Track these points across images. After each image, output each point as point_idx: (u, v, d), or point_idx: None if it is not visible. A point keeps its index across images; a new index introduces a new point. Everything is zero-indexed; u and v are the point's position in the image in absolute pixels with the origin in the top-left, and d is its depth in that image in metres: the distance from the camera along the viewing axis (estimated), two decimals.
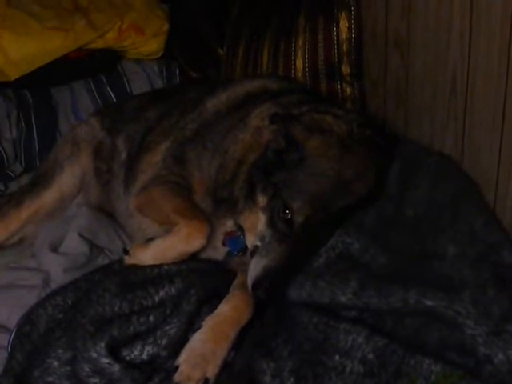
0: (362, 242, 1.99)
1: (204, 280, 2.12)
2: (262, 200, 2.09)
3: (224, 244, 2.24)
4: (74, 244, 2.39)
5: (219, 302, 2.02)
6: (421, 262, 1.91)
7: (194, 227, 2.16)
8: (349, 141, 2.07)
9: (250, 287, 1.99)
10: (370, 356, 1.73)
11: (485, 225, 1.92)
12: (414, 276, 1.87)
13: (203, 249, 2.21)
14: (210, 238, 2.21)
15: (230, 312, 1.97)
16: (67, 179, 2.66)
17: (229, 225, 2.24)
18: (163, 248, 2.17)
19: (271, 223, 2.04)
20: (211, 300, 2.06)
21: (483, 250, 1.88)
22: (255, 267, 2.01)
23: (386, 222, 2.05)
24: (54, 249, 2.39)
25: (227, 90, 2.54)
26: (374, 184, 2.07)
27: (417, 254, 1.94)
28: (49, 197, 2.61)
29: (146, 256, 2.17)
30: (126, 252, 2.20)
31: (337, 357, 1.76)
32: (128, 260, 2.19)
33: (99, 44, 3.30)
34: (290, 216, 1.99)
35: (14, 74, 3.14)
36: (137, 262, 2.18)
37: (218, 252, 2.26)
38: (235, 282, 2.12)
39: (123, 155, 2.66)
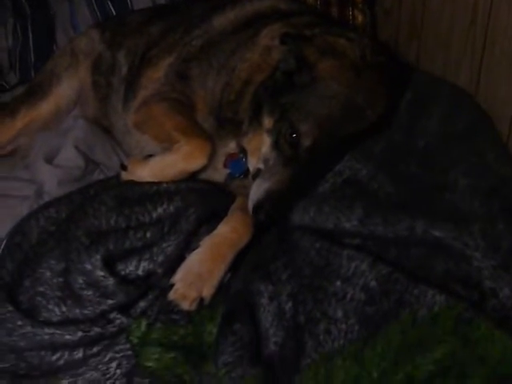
0: (370, 169, 1.93)
1: (203, 200, 2.07)
2: (268, 122, 2.02)
3: (225, 166, 2.18)
4: (69, 156, 2.32)
5: (218, 223, 1.98)
6: (430, 193, 1.86)
7: (196, 146, 2.09)
8: (362, 65, 2.00)
9: (251, 210, 1.94)
10: (373, 283, 1.69)
11: (497, 158, 1.88)
12: (422, 206, 1.83)
13: (204, 169, 2.15)
14: (211, 159, 2.14)
15: (228, 233, 1.93)
16: (64, 91, 2.57)
17: (231, 146, 2.18)
18: (163, 165, 2.10)
19: (276, 146, 1.98)
20: (210, 220, 2.01)
21: (495, 183, 1.83)
22: (257, 190, 1.96)
23: (396, 152, 1.99)
24: (49, 160, 2.32)
25: (235, 8, 2.44)
26: (385, 111, 2.01)
27: (426, 184, 1.89)
28: (45, 108, 2.53)
29: (145, 172, 2.10)
30: (123, 167, 2.14)
31: (338, 282, 1.72)
32: (125, 176, 2.13)
33: None
34: (296, 139, 1.93)
35: None
36: (134, 178, 2.11)
37: (219, 173, 2.20)
38: (235, 204, 2.07)
39: (124, 70, 2.56)
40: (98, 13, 3.13)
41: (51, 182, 2.26)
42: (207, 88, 2.25)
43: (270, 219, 1.93)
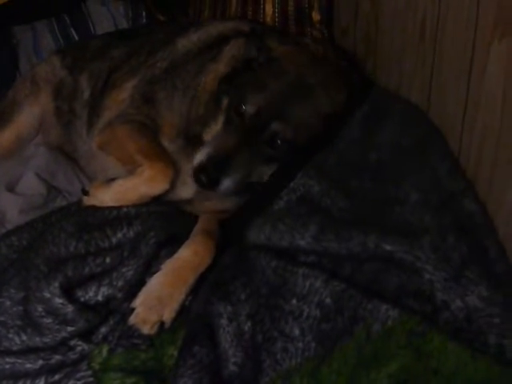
0: (323, 185, 1.96)
1: (164, 223, 2.07)
2: (224, 103, 2.09)
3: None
4: (30, 184, 2.34)
5: (178, 247, 1.98)
6: (382, 208, 1.88)
7: (158, 170, 2.11)
8: (321, 57, 2.10)
9: (192, 173, 2.00)
10: (328, 300, 1.71)
11: (448, 172, 1.90)
12: (374, 221, 1.85)
13: (172, 188, 2.16)
14: (179, 176, 2.17)
15: (190, 256, 1.94)
16: (25, 119, 2.58)
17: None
18: (125, 189, 2.12)
19: (227, 120, 2.06)
20: (171, 244, 2.02)
21: (445, 197, 1.86)
22: (200, 155, 2.02)
23: (349, 166, 2.02)
24: (10, 189, 2.32)
25: (199, 31, 2.49)
26: (342, 110, 2.06)
27: (378, 199, 1.92)
28: (5, 137, 2.55)
29: (106, 196, 2.11)
30: (85, 192, 2.15)
31: (294, 301, 1.73)
32: (87, 201, 2.14)
33: None
34: (242, 108, 2.01)
35: None
36: (96, 202, 2.12)
37: (189, 188, 2.21)
38: (197, 227, 2.08)
39: (86, 94, 2.58)
40: (61, 40, 3.15)
41: (13, 210, 2.27)
42: (173, 110, 2.27)
43: (210, 181, 1.97)
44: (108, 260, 1.95)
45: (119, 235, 2.02)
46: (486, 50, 1.78)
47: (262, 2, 2.74)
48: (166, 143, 2.27)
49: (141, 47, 2.55)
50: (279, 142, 2.01)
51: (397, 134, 2.03)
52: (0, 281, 1.97)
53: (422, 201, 1.85)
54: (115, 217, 2.10)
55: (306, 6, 2.67)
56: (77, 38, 3.16)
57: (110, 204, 2.12)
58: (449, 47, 1.99)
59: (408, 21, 2.17)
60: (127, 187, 2.12)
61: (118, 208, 2.12)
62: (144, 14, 3.29)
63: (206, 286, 1.91)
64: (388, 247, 1.74)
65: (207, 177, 1.97)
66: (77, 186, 2.42)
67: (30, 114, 2.60)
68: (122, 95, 2.42)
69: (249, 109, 2.00)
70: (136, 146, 2.21)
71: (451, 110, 2.01)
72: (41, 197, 2.32)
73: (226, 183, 2.00)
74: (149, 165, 2.11)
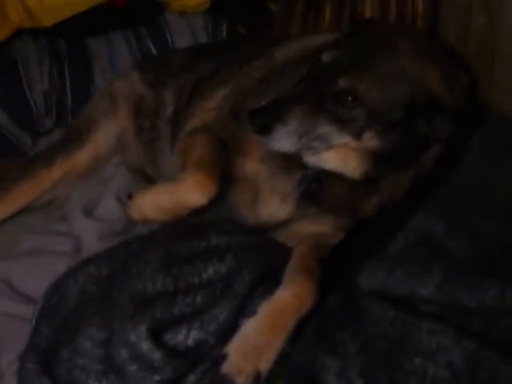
0: (444, 225, 1.74)
1: (258, 258, 1.88)
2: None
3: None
4: (110, 208, 2.17)
5: (274, 284, 1.78)
6: (510, 253, 1.65)
7: (197, 181, 1.88)
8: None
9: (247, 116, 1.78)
10: (458, 361, 1.49)
11: None
12: (507, 268, 1.62)
13: (267, 212, 1.99)
14: (275, 197, 1.98)
15: (289, 299, 1.72)
16: (103, 138, 2.41)
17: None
18: (161, 194, 1.90)
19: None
20: (265, 281, 1.82)
21: None
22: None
23: (472, 204, 1.80)
24: (88, 213, 2.16)
25: (299, 41, 2.30)
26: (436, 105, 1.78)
27: (508, 242, 1.69)
28: (83, 156, 2.37)
29: (146, 203, 1.90)
30: (129, 196, 1.97)
31: (417, 359, 1.51)
32: (129, 206, 1.94)
33: None
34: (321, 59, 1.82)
35: (48, 21, 2.86)
36: (136, 208, 1.91)
37: (286, 209, 2.00)
38: (294, 263, 1.88)
39: (169, 110, 2.41)
40: (138, 52, 3.00)
41: (90, 236, 2.10)
42: None
43: (264, 124, 1.75)
44: (199, 299, 1.76)
45: (210, 271, 1.83)
46: None
47: (360, 13, 2.53)
48: (253, 165, 2.05)
49: (232, 59, 2.36)
50: (349, 98, 1.76)
51: None
52: (79, 317, 1.80)
53: None
54: (204, 249, 1.92)
55: (410, 18, 2.44)
56: (154, 49, 3.01)
57: (149, 214, 1.90)
58: None
59: None
60: (164, 192, 1.90)
61: (207, 239, 1.93)
62: (224, 27, 3.13)
63: (308, 334, 1.71)
64: None
65: (261, 120, 1.75)
66: None
67: (108, 133, 2.43)
68: (210, 104, 2.24)
69: (324, 58, 1.80)
70: (196, 155, 2.00)
71: None
72: (120, 222, 2.15)
73: (281, 130, 1.77)
74: (191, 173, 1.90)
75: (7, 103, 2.75)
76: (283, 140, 1.78)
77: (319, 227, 2.00)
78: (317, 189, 1.91)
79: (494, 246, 1.69)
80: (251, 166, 2.05)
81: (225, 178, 1.98)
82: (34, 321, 1.89)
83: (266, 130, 1.77)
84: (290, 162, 1.97)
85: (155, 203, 1.90)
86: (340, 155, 1.82)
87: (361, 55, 1.81)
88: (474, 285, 1.56)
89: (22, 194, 2.34)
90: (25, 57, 2.85)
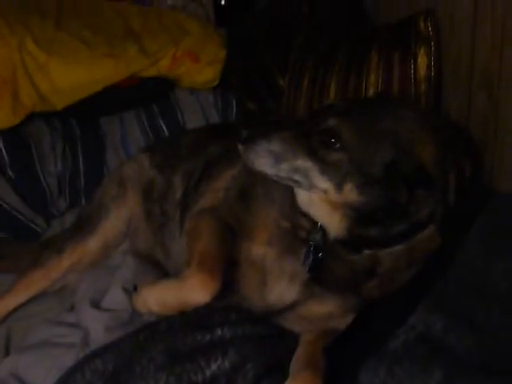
0: (444, 320, 1.70)
1: (262, 351, 1.87)
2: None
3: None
4: (117, 299, 2.18)
5: (280, 377, 1.77)
6: None
7: (201, 280, 1.88)
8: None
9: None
10: None
11: None
12: (507, 364, 1.59)
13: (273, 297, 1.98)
14: (283, 280, 1.98)
15: None
16: (113, 224, 2.43)
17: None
18: (166, 290, 1.92)
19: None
20: (271, 373, 1.81)
21: None
22: None
23: (473, 296, 1.77)
24: (95, 304, 2.17)
25: None
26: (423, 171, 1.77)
27: (509, 337, 1.65)
28: (92, 244, 2.40)
29: (151, 297, 1.92)
30: (134, 287, 1.99)
31: None
32: (135, 298, 1.97)
33: (151, 72, 3.07)
34: None
35: (60, 104, 2.94)
36: (141, 301, 1.94)
37: (293, 290, 1.98)
38: (300, 354, 1.87)
39: (178, 193, 2.42)
40: (149, 130, 3.06)
41: (98, 328, 2.11)
42: (270, 210, 2.07)
43: (249, 136, 1.81)
44: None
45: (213, 367, 1.82)
46: None
47: (363, 94, 2.54)
48: (260, 248, 2.05)
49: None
50: (332, 139, 1.77)
51: None
52: None
53: None
54: (208, 342, 1.91)
55: (413, 100, 2.45)
56: (165, 128, 3.07)
57: (154, 309, 1.92)
58: None
59: None
60: (168, 289, 1.92)
61: (211, 332, 1.93)
62: (234, 102, 3.18)
63: None
64: None
65: (249, 132, 1.81)
66: None
67: (117, 219, 2.45)
68: (219, 184, 2.24)
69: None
70: (201, 246, 2.01)
71: None
72: (127, 313, 2.15)
73: (263, 145, 1.80)
74: (194, 271, 1.90)
75: (21, 186, 2.82)
76: (263, 157, 1.81)
77: (326, 307, 1.98)
78: (323, 259, 1.91)
79: (497, 342, 1.65)
80: (258, 249, 2.05)
81: (230, 263, 2.00)
82: None
83: (249, 140, 1.81)
84: (297, 241, 1.98)
85: (160, 299, 1.91)
86: (325, 208, 1.84)
87: (361, 107, 1.86)
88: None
89: (34, 283, 2.38)
90: (38, 139, 2.92)
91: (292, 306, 2.02)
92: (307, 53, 2.88)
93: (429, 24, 2.44)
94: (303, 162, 1.81)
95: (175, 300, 1.89)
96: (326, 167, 1.78)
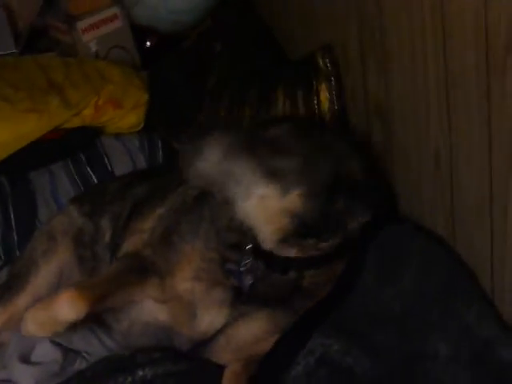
0: (342, 342, 1.81)
1: None
2: None
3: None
4: (45, 352, 2.23)
5: None
6: (411, 365, 1.73)
7: (68, 296, 1.93)
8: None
9: None
10: None
11: (477, 318, 1.74)
12: (403, 381, 1.69)
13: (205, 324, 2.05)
14: (212, 309, 2.04)
15: None
16: (43, 279, 2.47)
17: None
18: (39, 308, 1.96)
19: None
20: None
21: (477, 347, 1.70)
22: None
23: (371, 318, 1.87)
24: (25, 358, 2.23)
25: None
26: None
27: (405, 355, 1.76)
28: (23, 302, 2.41)
29: (28, 315, 1.96)
30: None
31: None
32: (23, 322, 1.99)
33: (76, 122, 3.13)
34: None
35: None
36: (23, 324, 1.97)
37: (223, 314, 2.05)
38: None
39: (107, 236, 2.48)
40: (79, 180, 3.10)
41: (28, 382, 2.17)
42: (195, 243, 2.14)
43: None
44: None
45: None
46: (504, 178, 1.65)
47: None
48: (187, 284, 2.11)
49: (167, 182, 2.44)
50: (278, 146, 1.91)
51: (419, 277, 1.88)
52: None
53: (453, 354, 1.70)
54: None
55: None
56: (94, 176, 3.11)
57: (31, 329, 1.95)
58: (465, 178, 1.86)
59: (421, 147, 2.04)
60: (42, 305, 1.97)
61: (133, 373, 2.00)
62: (160, 143, 3.25)
63: None
64: None
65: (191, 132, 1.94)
66: (95, 344, 2.31)
67: (47, 273, 2.49)
68: (147, 224, 2.29)
69: None
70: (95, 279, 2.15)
71: (478, 243, 1.86)
72: (56, 363, 2.22)
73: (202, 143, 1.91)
74: (66, 290, 1.96)
75: None
76: (200, 155, 1.90)
77: (255, 326, 2.04)
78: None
79: (393, 360, 1.76)
80: (185, 285, 2.10)
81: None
82: None
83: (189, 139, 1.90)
84: (224, 271, 2.06)
85: (34, 318, 1.95)
86: (265, 212, 1.90)
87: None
88: None
89: None
90: None
91: (222, 330, 2.07)
92: (220, 94, 2.99)
93: (327, 61, 2.57)
94: (245, 169, 1.89)
95: (46, 317, 1.94)
96: (271, 175, 1.87)
